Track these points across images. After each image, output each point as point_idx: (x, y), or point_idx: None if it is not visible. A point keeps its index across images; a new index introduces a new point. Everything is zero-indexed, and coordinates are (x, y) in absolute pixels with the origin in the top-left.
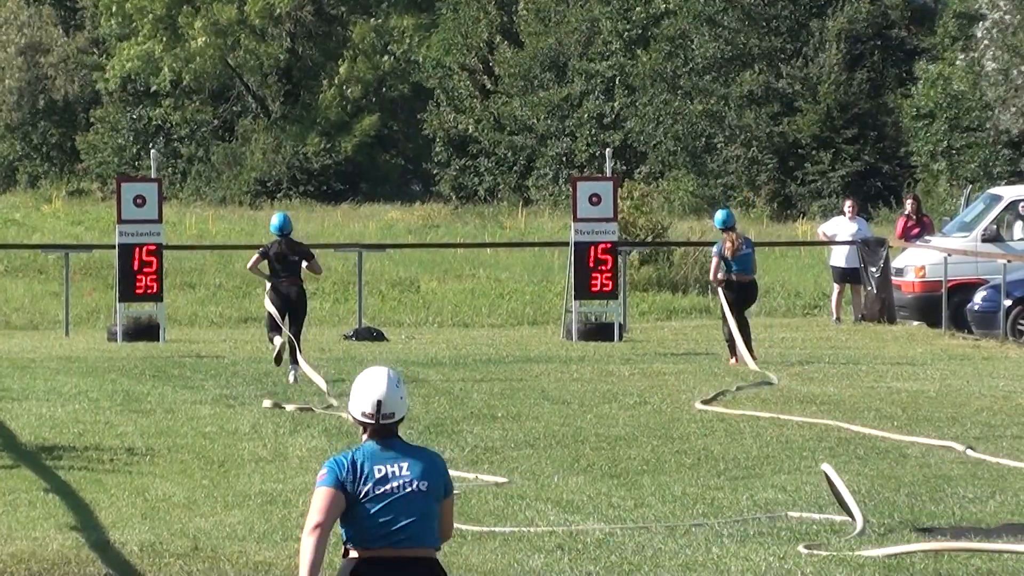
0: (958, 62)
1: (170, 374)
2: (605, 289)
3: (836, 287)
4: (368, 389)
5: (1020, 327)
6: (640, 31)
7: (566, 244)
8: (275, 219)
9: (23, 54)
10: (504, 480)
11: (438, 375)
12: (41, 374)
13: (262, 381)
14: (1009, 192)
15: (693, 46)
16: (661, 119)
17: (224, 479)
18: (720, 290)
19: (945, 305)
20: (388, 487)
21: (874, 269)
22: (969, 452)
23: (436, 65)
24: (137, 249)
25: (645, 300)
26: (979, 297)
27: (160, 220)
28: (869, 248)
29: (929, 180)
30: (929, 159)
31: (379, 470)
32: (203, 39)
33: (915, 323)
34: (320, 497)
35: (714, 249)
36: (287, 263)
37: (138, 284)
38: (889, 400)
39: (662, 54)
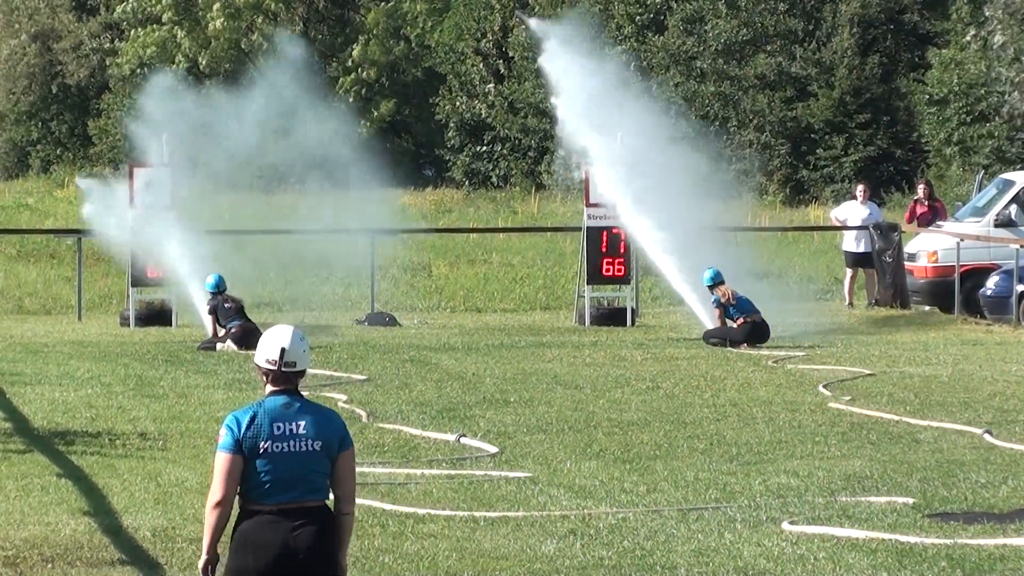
0: (968, 38)
1: (182, 359)
2: (617, 274)
3: (849, 272)
4: (274, 339)
5: None
6: (652, 15)
7: (579, 229)
8: (211, 279)
9: (36, 40)
10: (495, 450)
11: (451, 360)
12: (54, 359)
13: None
14: (1022, 177)
15: (707, 28)
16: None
17: None
18: (728, 340)
19: (958, 290)
20: (284, 445)
21: (887, 254)
22: (987, 437)
23: (449, 50)
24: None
25: (657, 285)
26: (992, 282)
27: (172, 206)
28: (882, 233)
29: (942, 165)
30: (942, 144)
31: (277, 427)
32: (219, 21)
33: (928, 308)
34: (219, 466)
35: (711, 302)
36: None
37: (151, 269)
38: (902, 385)
39: (676, 36)
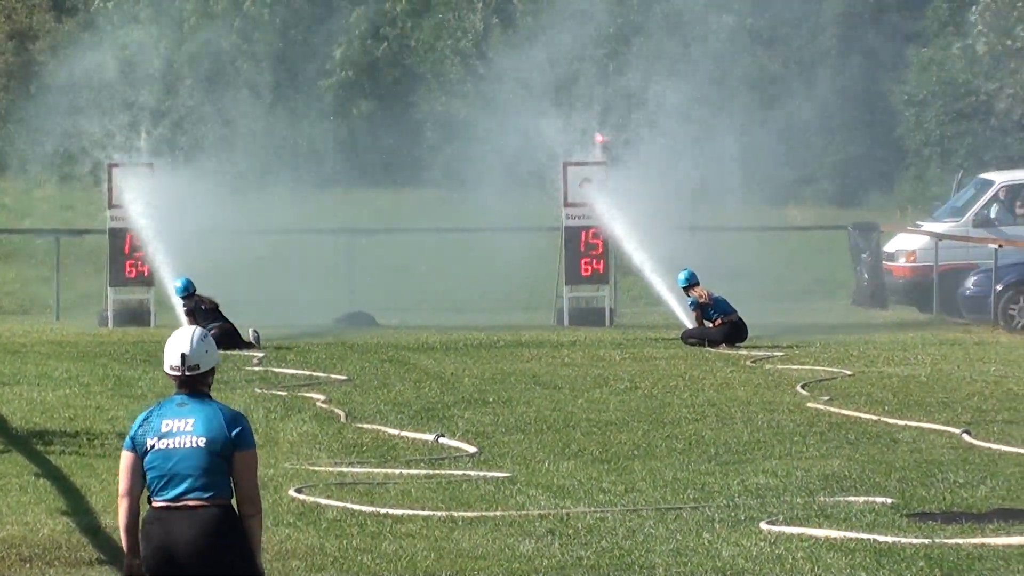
0: (954, 49)
1: (161, 359)
2: (597, 271)
3: None
4: (174, 345)
5: (1011, 312)
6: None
7: (557, 229)
8: (178, 282)
9: (12, 39)
10: (474, 450)
11: (429, 360)
12: (32, 359)
13: (253, 367)
14: (1000, 177)
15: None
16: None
17: None
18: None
19: (936, 290)
20: (169, 441)
21: (865, 254)
22: (966, 437)
23: (428, 49)
24: (128, 234)
25: (636, 285)
26: (970, 282)
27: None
28: (860, 233)
29: (921, 165)
30: (921, 144)
31: (165, 424)
32: (194, 20)
33: (906, 308)
34: (121, 463)
35: (688, 303)
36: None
37: (129, 269)
38: (880, 385)
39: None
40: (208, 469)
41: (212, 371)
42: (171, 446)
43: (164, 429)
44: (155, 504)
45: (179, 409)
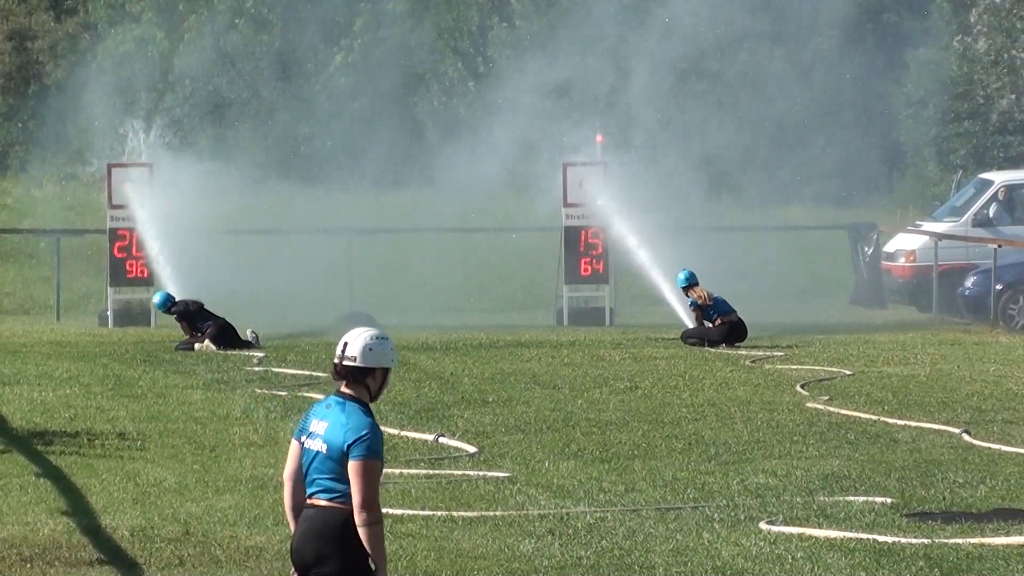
0: (954, 44)
1: (161, 359)
2: (597, 271)
3: None
4: (345, 336)
5: (1010, 312)
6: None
7: (557, 229)
8: (156, 298)
9: (11, 39)
10: (473, 450)
11: (429, 359)
12: (32, 359)
13: (253, 367)
14: (999, 177)
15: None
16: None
17: (215, 464)
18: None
19: (936, 290)
20: (310, 442)
21: (865, 253)
22: (965, 436)
23: (428, 50)
24: (128, 233)
25: (636, 285)
26: (970, 282)
27: None
28: (860, 233)
29: (920, 165)
30: (920, 144)
31: (312, 424)
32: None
33: (905, 307)
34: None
35: (688, 304)
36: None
37: (129, 269)
38: (880, 385)
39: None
40: (328, 474)
41: (374, 374)
42: (309, 446)
43: (310, 428)
44: (308, 498)
45: (325, 411)
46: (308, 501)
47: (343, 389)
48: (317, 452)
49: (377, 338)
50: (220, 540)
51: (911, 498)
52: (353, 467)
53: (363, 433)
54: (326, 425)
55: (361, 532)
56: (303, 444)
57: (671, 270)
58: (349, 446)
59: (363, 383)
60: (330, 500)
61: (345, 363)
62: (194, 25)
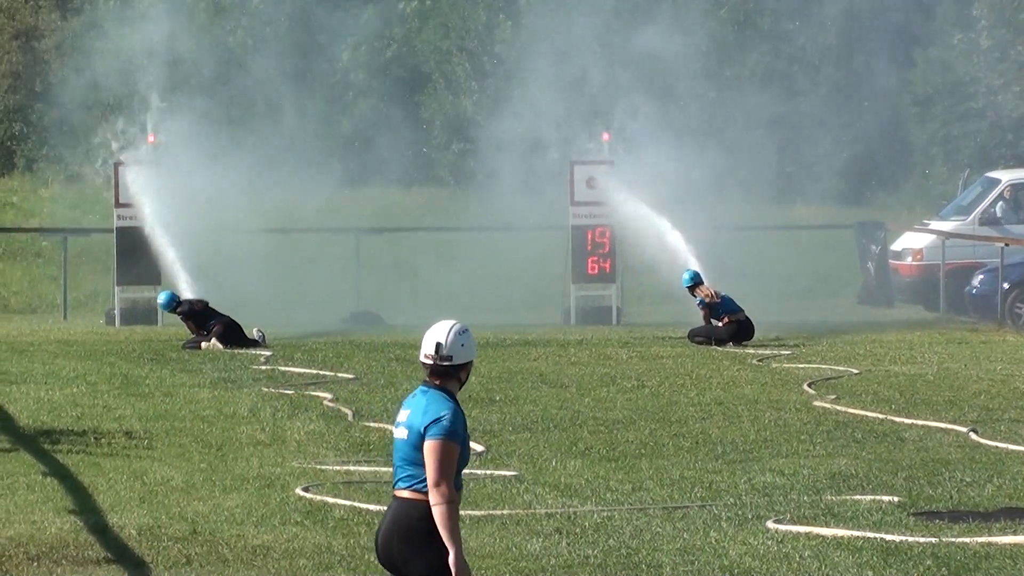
0: (956, 41)
1: (168, 357)
2: (604, 270)
3: None
4: (432, 335)
5: (1018, 310)
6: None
7: (564, 228)
8: (162, 297)
9: (17, 38)
10: (481, 449)
11: None
12: (39, 358)
13: (260, 365)
14: (1006, 176)
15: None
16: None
17: (222, 462)
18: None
19: (943, 289)
20: (396, 431)
21: (872, 252)
22: (973, 435)
23: (434, 49)
24: (135, 232)
25: (643, 283)
26: (977, 280)
27: None
28: (867, 231)
29: (927, 163)
30: (927, 143)
31: (400, 414)
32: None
33: (912, 306)
34: None
35: (696, 304)
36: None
37: (136, 267)
38: (887, 383)
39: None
40: (410, 461)
41: (465, 367)
42: (394, 435)
43: (399, 418)
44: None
45: (411, 400)
46: (393, 492)
47: (428, 379)
48: (399, 440)
49: (464, 332)
50: (227, 539)
51: (918, 497)
52: (427, 447)
53: (441, 414)
54: (408, 413)
55: (434, 511)
56: (394, 434)
57: (673, 269)
58: (426, 428)
59: (456, 377)
60: (410, 488)
61: (442, 363)
62: (203, 25)
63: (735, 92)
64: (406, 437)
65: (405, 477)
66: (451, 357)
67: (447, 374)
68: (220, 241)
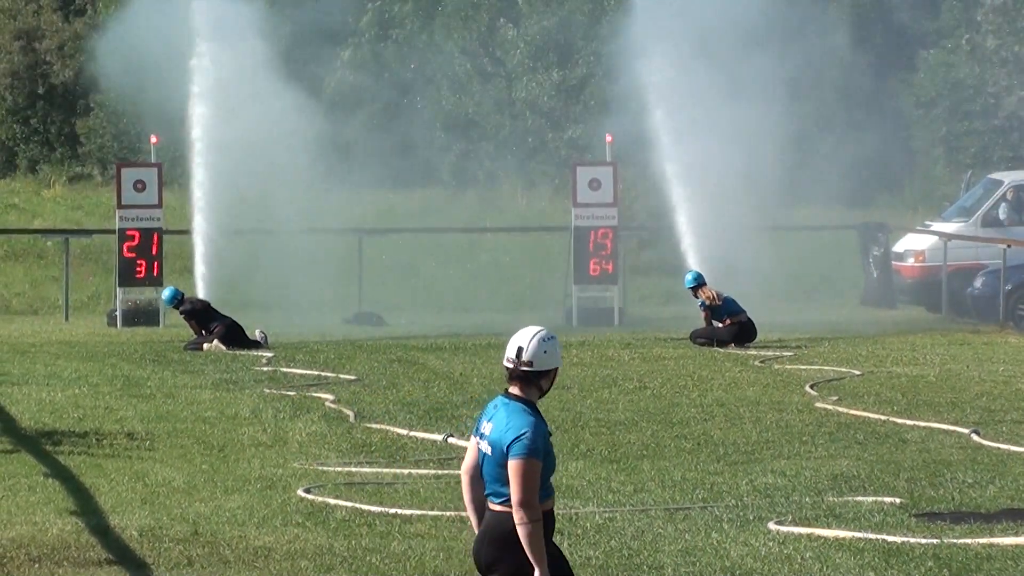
0: (962, 43)
1: (170, 359)
2: (606, 271)
3: None
4: (516, 339)
5: (1020, 312)
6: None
7: (566, 229)
8: (166, 292)
9: (19, 39)
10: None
11: (438, 360)
12: (41, 359)
13: (262, 367)
14: (1009, 177)
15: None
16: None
17: (224, 464)
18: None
19: (945, 290)
20: (481, 444)
21: (875, 253)
22: (974, 437)
23: (435, 50)
24: (137, 234)
25: (645, 285)
26: (979, 282)
27: (160, 205)
28: (870, 233)
29: (929, 165)
30: (930, 144)
31: (483, 426)
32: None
33: (915, 308)
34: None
35: (698, 305)
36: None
37: (138, 269)
38: (889, 385)
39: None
40: (495, 477)
41: (546, 375)
42: (480, 448)
43: (482, 430)
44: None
45: (493, 412)
46: (487, 504)
47: (511, 390)
48: (485, 455)
49: (549, 339)
50: (229, 540)
51: (920, 498)
52: (511, 466)
53: (522, 432)
54: (491, 427)
55: (519, 531)
56: (478, 445)
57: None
58: (508, 446)
59: (536, 384)
60: (500, 504)
61: (523, 368)
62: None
63: (740, 93)
64: (491, 453)
65: (494, 493)
66: (532, 363)
67: (527, 380)
68: (221, 243)
